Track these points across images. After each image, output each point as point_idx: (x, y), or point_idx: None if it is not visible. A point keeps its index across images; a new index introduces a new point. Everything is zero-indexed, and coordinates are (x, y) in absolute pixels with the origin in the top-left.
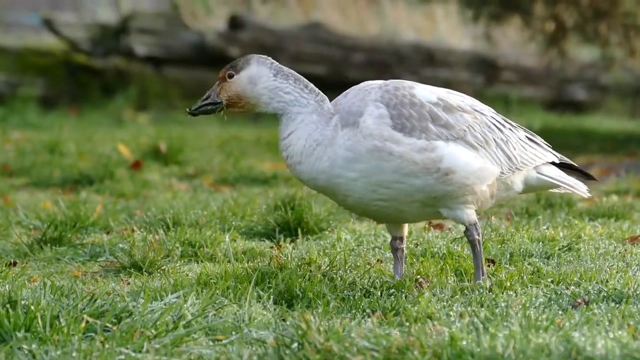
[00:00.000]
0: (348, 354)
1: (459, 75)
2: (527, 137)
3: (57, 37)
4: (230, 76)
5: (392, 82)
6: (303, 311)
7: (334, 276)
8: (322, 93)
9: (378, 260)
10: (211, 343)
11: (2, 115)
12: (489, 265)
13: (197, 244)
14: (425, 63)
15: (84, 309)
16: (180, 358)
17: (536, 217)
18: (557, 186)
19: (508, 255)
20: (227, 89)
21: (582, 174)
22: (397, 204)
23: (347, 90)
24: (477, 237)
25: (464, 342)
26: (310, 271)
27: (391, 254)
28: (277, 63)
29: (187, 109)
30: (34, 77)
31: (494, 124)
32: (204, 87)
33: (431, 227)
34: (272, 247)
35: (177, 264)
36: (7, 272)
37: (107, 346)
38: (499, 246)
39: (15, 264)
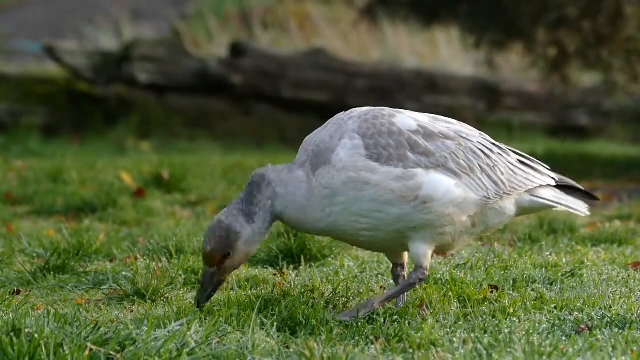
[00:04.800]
0: None
1: (461, 101)
2: (519, 160)
3: (59, 65)
4: (228, 255)
5: (372, 111)
6: (307, 338)
7: (337, 303)
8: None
9: (381, 287)
10: None
11: (5, 144)
12: (491, 292)
13: (201, 271)
14: (427, 89)
15: (87, 337)
16: None
17: (539, 243)
18: (553, 207)
19: (511, 282)
20: (230, 265)
21: (583, 194)
22: (380, 233)
23: (329, 120)
24: (416, 282)
25: None
26: (314, 298)
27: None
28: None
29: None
30: (36, 106)
31: (481, 150)
32: (206, 114)
33: (434, 254)
34: (275, 275)
35: (181, 292)
36: (10, 300)
37: None
38: (502, 272)
39: (18, 292)
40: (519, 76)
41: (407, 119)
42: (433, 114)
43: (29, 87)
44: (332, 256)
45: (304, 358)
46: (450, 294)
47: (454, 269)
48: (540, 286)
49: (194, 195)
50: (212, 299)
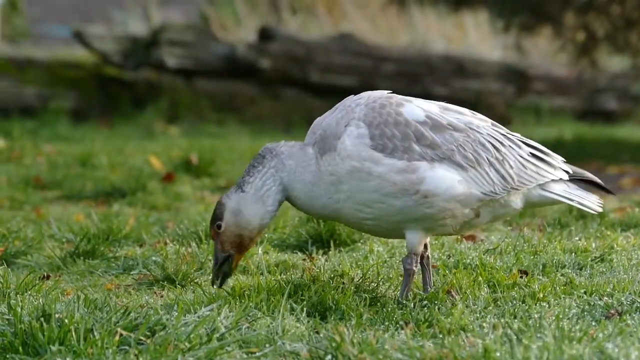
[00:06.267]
0: None
1: (489, 85)
2: (531, 153)
3: (87, 50)
4: (219, 227)
5: (380, 99)
6: (336, 323)
7: (367, 288)
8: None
9: None
10: (245, 356)
11: (34, 128)
12: (521, 277)
13: None
14: (455, 74)
15: (117, 322)
16: None
17: (568, 228)
18: (563, 202)
19: (541, 267)
20: (225, 238)
21: (599, 188)
22: (383, 223)
23: (338, 105)
24: (414, 268)
25: (498, 354)
26: (343, 283)
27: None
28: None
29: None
30: (65, 90)
31: (490, 142)
32: (235, 99)
33: (463, 239)
34: (304, 259)
35: (210, 277)
36: (40, 285)
37: (141, 359)
38: (532, 257)
39: (48, 277)
40: (547, 60)
41: (415, 109)
42: (462, 98)
43: (57, 71)
44: (361, 241)
45: (334, 343)
46: (480, 279)
47: (483, 254)
48: (569, 271)
49: (223, 179)
50: (241, 283)
